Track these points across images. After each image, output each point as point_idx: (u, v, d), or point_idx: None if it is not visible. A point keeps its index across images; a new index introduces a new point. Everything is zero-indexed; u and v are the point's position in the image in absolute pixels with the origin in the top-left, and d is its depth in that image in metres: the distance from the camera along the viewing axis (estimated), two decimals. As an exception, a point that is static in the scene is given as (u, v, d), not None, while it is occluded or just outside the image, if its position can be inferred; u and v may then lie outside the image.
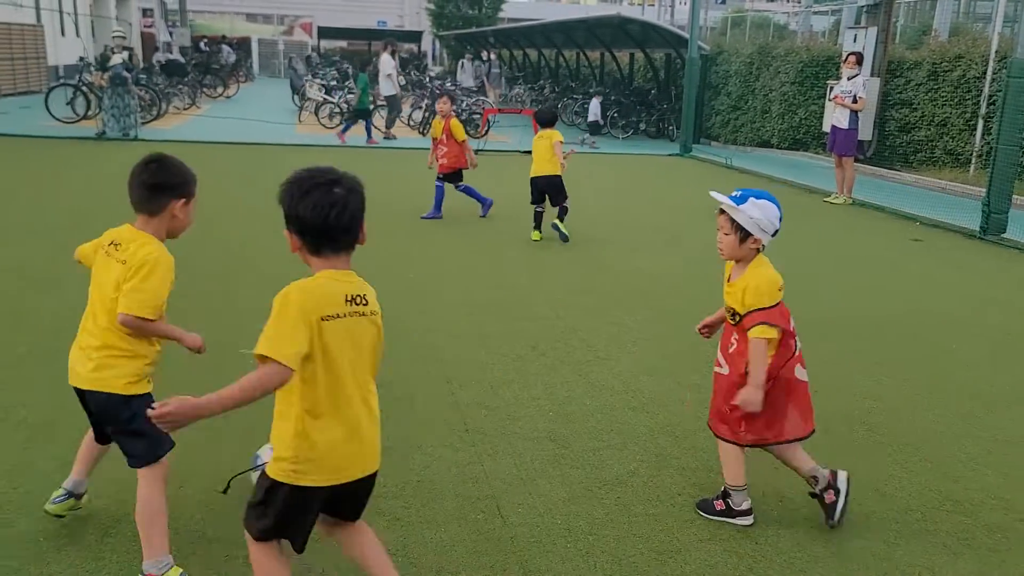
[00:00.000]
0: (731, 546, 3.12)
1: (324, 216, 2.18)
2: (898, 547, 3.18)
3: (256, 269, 6.60)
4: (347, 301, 2.23)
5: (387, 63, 17.25)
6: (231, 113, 21.02)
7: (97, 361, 2.69)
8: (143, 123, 16.25)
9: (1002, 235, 9.25)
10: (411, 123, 19.09)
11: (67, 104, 16.95)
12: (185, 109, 20.94)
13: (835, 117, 11.60)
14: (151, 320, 2.65)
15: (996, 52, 13.31)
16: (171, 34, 37.41)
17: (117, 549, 2.90)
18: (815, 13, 32.35)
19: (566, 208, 8.40)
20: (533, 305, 6.09)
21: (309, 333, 2.14)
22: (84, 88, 16.96)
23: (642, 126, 20.89)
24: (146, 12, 43.26)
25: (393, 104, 17.55)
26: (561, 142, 8.36)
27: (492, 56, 23.30)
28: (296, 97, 22.95)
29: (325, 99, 19.19)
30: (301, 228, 2.23)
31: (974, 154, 13.76)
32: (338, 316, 2.20)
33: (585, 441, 3.94)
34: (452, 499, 3.35)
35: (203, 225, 7.37)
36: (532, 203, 8.44)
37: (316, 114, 18.93)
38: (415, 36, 44.40)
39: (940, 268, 8.05)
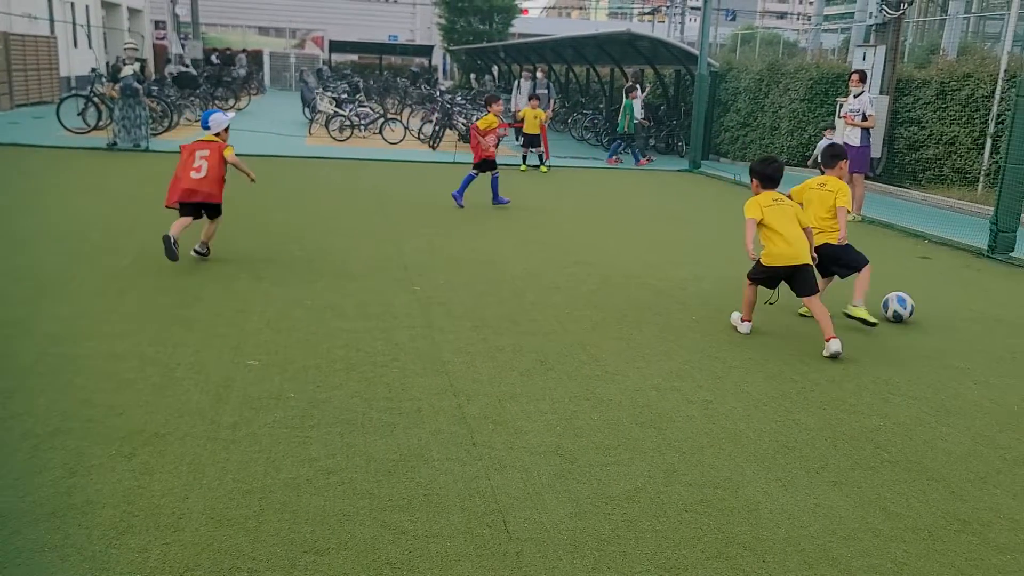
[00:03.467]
0: (738, 564, 3.11)
1: None
2: (906, 566, 3.15)
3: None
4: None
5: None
6: (242, 125, 21.09)
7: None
8: (154, 134, 16.35)
9: (1010, 254, 9.21)
10: (421, 137, 19.16)
11: (78, 115, 17.07)
12: (196, 121, 21.04)
13: (847, 135, 11.62)
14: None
15: (1005, 71, 13.30)
16: (183, 46, 37.68)
17: (121, 560, 2.90)
18: (825, 31, 32.46)
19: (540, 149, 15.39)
20: (540, 319, 6.09)
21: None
22: (95, 99, 17.09)
23: (652, 142, 20.92)
24: (158, 24, 43.64)
25: (639, 130, 18.46)
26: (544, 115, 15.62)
27: (539, 74, 22.69)
28: (307, 110, 23.06)
29: (336, 112, 19.29)
30: None
31: (982, 173, 13.73)
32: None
33: (592, 456, 3.93)
34: (458, 513, 3.34)
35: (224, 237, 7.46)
36: (524, 147, 15.58)
37: (327, 127, 19.03)
38: (426, 50, 44.66)
39: (948, 286, 8.02)
